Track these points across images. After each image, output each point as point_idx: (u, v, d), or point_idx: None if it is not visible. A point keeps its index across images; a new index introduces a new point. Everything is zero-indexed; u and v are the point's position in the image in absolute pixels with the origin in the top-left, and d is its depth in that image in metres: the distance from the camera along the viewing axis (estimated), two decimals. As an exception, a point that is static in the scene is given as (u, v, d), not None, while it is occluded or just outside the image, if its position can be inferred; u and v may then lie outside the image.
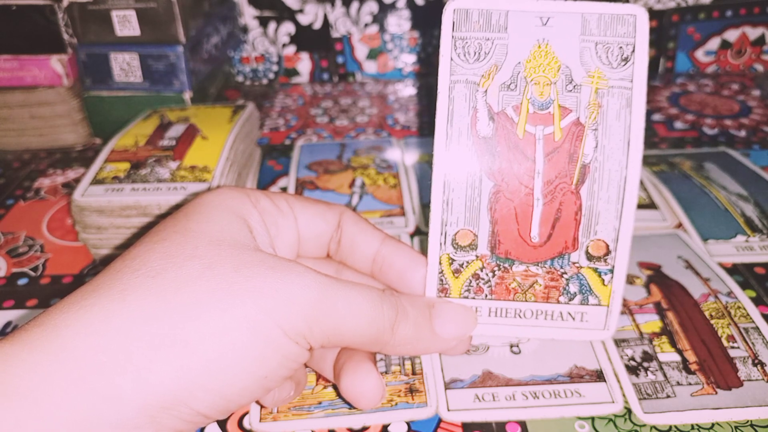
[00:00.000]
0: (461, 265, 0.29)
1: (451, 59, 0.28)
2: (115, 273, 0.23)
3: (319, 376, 0.31)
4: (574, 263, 0.29)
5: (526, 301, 0.29)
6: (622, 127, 0.27)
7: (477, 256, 0.29)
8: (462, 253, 0.29)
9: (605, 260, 0.29)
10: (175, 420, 0.21)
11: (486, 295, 0.29)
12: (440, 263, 0.29)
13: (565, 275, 0.29)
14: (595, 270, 0.29)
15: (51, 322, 0.21)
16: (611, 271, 0.29)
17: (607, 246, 0.28)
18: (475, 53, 0.27)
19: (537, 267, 0.29)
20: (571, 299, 0.29)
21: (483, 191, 0.28)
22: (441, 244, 0.29)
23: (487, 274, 0.29)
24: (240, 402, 0.23)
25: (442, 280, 0.29)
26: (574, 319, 0.29)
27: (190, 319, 0.21)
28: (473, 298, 0.29)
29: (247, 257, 0.24)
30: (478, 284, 0.29)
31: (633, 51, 0.27)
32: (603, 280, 0.29)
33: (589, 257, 0.29)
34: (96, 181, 0.41)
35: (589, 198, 0.28)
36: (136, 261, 0.23)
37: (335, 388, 0.30)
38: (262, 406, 0.29)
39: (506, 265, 0.29)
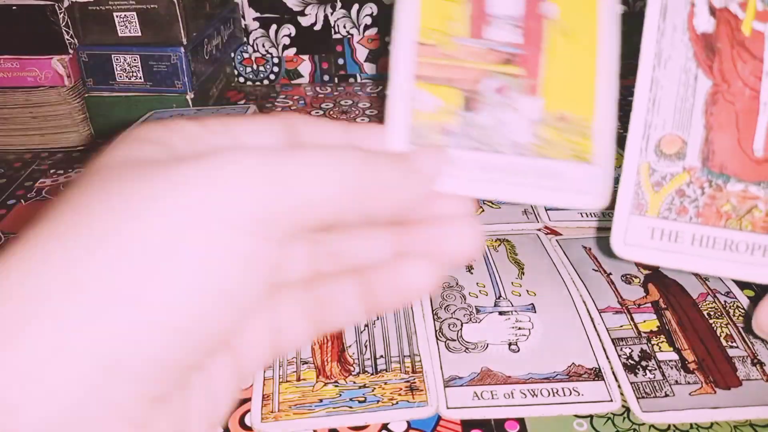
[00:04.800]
0: (663, 178, 0.24)
1: None
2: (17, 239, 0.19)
3: (319, 373, 0.31)
4: None
5: (741, 229, 0.24)
6: None
7: (684, 168, 0.24)
8: (666, 162, 0.24)
9: None
10: (132, 383, 0.17)
11: (690, 218, 0.24)
12: (638, 173, 0.24)
13: None
14: None
15: None
16: None
17: None
18: None
19: (758, 188, 0.24)
20: None
21: (698, 90, 0.24)
22: (642, 150, 0.24)
23: (694, 191, 0.24)
24: (213, 331, 0.18)
25: (638, 194, 0.24)
26: None
27: (101, 247, 0.17)
28: (674, 219, 0.24)
29: (159, 163, 0.19)
30: (681, 203, 0.24)
31: None
32: None
33: None
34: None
35: None
36: (37, 219, 0.19)
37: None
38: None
39: (719, 181, 0.24)
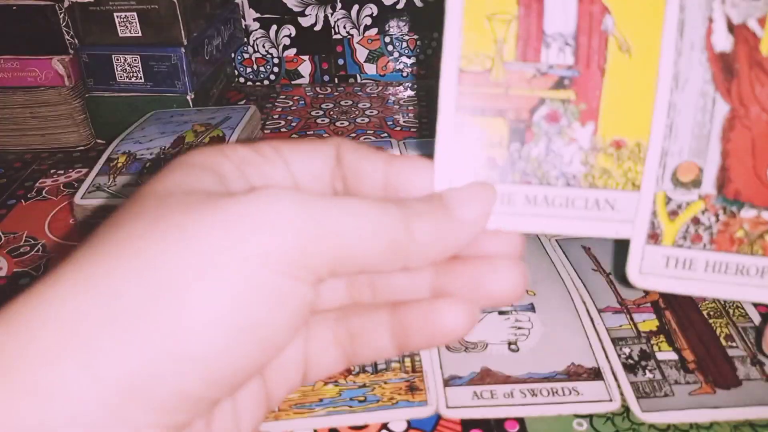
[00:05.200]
0: (679, 206, 0.24)
1: None
2: (67, 258, 0.20)
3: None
4: None
5: (752, 254, 0.24)
6: None
7: (700, 196, 0.24)
8: (682, 191, 0.24)
9: None
10: (153, 410, 0.17)
11: (704, 245, 0.24)
12: (654, 202, 0.24)
13: None
14: None
15: None
16: None
17: None
18: None
19: None
20: None
21: (716, 116, 0.23)
22: (659, 178, 0.23)
23: (709, 219, 0.24)
24: (239, 367, 0.19)
25: (653, 224, 0.24)
26: None
27: (135, 279, 0.18)
28: (689, 247, 0.24)
29: (200, 198, 0.19)
30: (696, 230, 0.24)
31: None
32: None
33: None
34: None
35: None
36: (87, 241, 0.20)
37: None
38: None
39: (733, 208, 0.24)
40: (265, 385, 0.24)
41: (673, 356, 0.32)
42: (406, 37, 0.70)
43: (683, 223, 0.24)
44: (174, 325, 0.17)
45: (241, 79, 0.72)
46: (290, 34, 0.70)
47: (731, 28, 0.23)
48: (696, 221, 0.24)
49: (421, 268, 0.23)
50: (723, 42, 0.23)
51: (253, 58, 0.71)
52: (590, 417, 0.29)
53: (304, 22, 0.69)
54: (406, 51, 0.70)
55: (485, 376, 0.31)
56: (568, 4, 0.23)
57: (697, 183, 0.24)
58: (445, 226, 0.22)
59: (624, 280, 0.36)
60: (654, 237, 0.24)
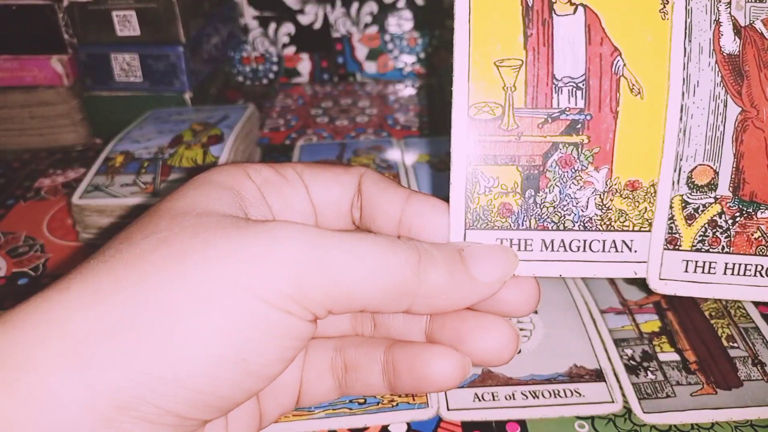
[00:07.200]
0: (696, 210, 0.24)
1: None
2: (79, 265, 0.20)
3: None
4: None
5: None
6: None
7: (716, 199, 0.24)
8: (698, 194, 0.24)
9: None
10: (142, 423, 0.18)
11: (723, 248, 0.24)
12: (671, 207, 0.24)
13: None
14: None
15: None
16: None
17: None
18: None
19: None
20: None
21: (728, 118, 0.23)
22: (674, 183, 0.24)
23: (726, 221, 0.24)
24: (227, 394, 0.19)
25: (671, 228, 0.24)
26: None
27: (135, 300, 0.18)
28: (707, 250, 0.24)
29: (212, 222, 0.20)
30: (714, 234, 0.24)
31: None
32: None
33: None
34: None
35: None
36: (101, 249, 0.20)
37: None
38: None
39: (750, 210, 0.24)
40: (259, 405, 0.24)
41: (675, 357, 0.32)
42: (407, 35, 0.69)
43: (701, 226, 0.24)
44: (163, 350, 0.18)
45: (240, 78, 0.72)
46: (289, 32, 0.70)
47: (738, 30, 0.23)
48: (713, 224, 0.24)
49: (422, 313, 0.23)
50: (731, 44, 0.23)
51: (252, 57, 0.71)
52: (592, 418, 0.29)
53: (304, 20, 0.69)
54: (407, 49, 0.70)
55: (486, 378, 0.30)
56: (577, 47, 0.23)
57: (713, 186, 0.24)
58: (459, 280, 0.22)
59: (627, 282, 0.36)
60: (672, 242, 0.24)
